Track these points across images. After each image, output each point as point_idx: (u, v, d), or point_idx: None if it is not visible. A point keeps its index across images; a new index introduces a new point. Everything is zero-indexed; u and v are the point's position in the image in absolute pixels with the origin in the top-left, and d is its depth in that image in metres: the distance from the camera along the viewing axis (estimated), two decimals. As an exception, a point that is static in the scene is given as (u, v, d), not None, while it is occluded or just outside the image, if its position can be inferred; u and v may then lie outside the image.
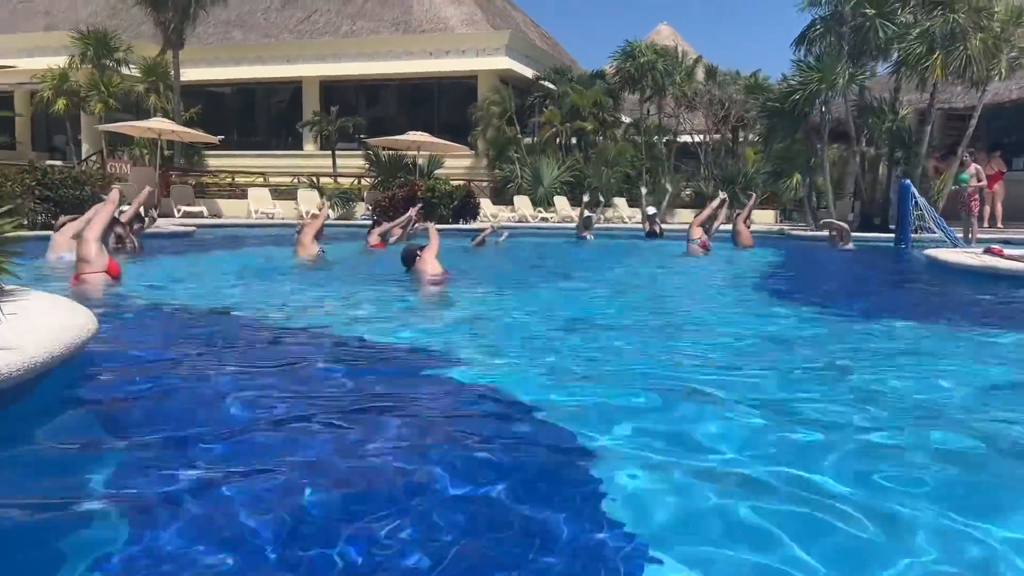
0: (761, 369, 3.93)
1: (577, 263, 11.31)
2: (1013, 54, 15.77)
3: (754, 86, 30.57)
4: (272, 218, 22.71)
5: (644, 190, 23.11)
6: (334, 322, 5.31)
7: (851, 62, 16.30)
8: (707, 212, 12.44)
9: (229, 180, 26.88)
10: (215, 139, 25.25)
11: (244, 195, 24.17)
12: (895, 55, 16.90)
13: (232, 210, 24.26)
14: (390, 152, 25.73)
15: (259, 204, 23.46)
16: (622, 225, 24.51)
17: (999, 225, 17.84)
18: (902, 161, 17.44)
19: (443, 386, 3.58)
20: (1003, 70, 15.78)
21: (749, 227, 13.94)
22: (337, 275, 8.65)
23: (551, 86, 30.18)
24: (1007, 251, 9.35)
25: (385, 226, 11.87)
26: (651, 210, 17.32)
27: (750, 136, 33.60)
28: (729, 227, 14.19)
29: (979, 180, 16.62)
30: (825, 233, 14.27)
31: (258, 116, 35.03)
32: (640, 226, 23.60)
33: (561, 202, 26.37)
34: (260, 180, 26.40)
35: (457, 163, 28.27)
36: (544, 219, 25.54)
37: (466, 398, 3.43)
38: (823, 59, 16.04)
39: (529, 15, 41.41)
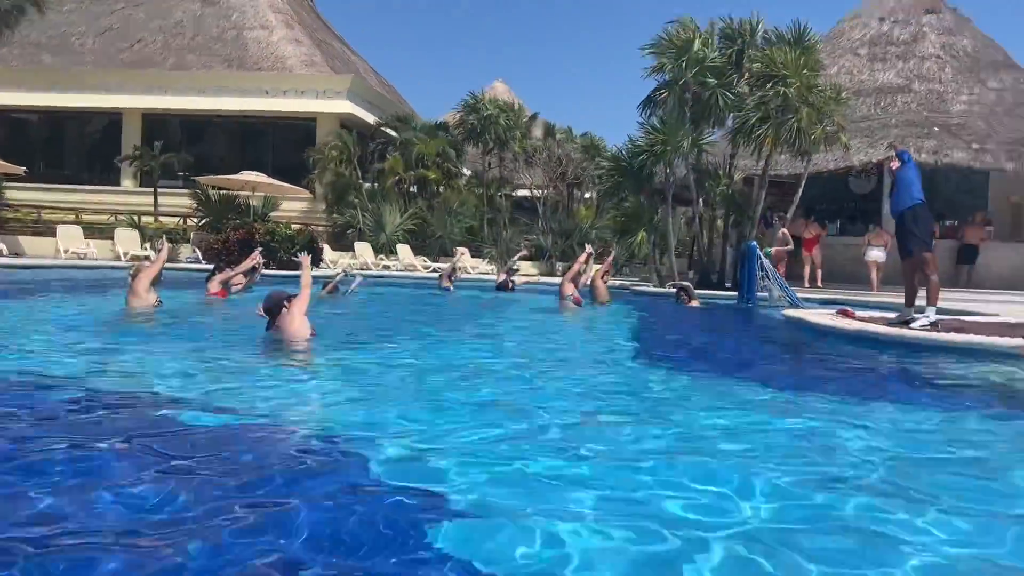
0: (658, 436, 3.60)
1: (456, 317, 10.75)
2: (832, 128, 17.01)
3: (590, 146, 31.78)
4: (84, 258, 20.59)
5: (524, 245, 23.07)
6: (180, 394, 4.40)
7: (692, 127, 17.01)
8: (576, 268, 12.32)
9: (34, 216, 24.21)
10: (20, 169, 22.72)
11: (52, 232, 21.78)
12: (730, 123, 17.85)
13: (37, 248, 21.80)
14: (220, 191, 24.21)
15: (69, 243, 21.22)
16: (466, 276, 24.15)
17: (819, 284, 19.11)
18: (735, 223, 18.35)
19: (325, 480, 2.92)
20: (824, 143, 16.96)
21: (606, 283, 13.99)
22: (181, 331, 7.58)
23: (393, 133, 29.81)
24: (858, 313, 9.80)
25: (227, 273, 10.83)
26: (523, 266, 17.20)
27: (586, 194, 34.74)
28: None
29: (786, 243, 17.94)
30: (670, 290, 14.60)
31: (68, 147, 32.08)
32: (486, 277, 23.55)
33: (404, 250, 25.84)
34: (72, 217, 23.95)
35: (293, 206, 27.10)
36: (386, 267, 24.87)
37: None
38: (667, 123, 16.64)
39: (368, 61, 40.99)
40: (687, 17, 17.52)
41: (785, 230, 17.82)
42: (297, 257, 6.90)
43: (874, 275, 18.80)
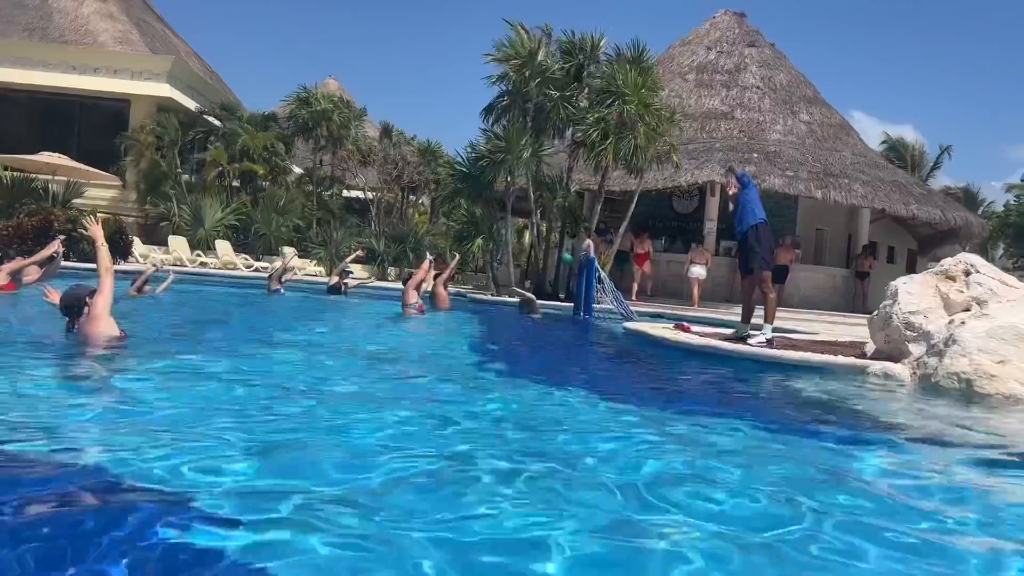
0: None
1: (287, 322, 9.89)
2: (665, 148, 17.59)
3: (427, 150, 31.37)
4: None
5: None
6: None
7: (533, 137, 17.02)
8: (420, 276, 11.78)
9: None
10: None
11: None
12: (570, 135, 18.06)
13: None
14: (15, 173, 21.67)
15: None
16: (292, 277, 22.94)
17: (648, 295, 19.79)
18: (570, 235, 18.57)
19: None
20: (657, 161, 17.50)
21: (447, 289, 13.65)
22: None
23: (216, 122, 28.00)
24: (693, 328, 9.98)
25: (18, 263, 9.47)
26: (355, 268, 16.44)
27: (421, 199, 34.30)
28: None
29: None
30: (509, 299, 14.50)
31: None
32: (314, 279, 22.51)
33: (223, 247, 24.25)
34: None
35: (100, 194, 24.77)
36: (203, 263, 23.23)
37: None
38: (509, 131, 16.55)
39: (191, 45, 38.43)
40: (518, 23, 17.53)
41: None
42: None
43: (696, 291, 19.63)
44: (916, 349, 6.62)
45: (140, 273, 12.32)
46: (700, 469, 3.32)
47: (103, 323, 5.26)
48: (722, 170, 9.20)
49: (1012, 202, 39.08)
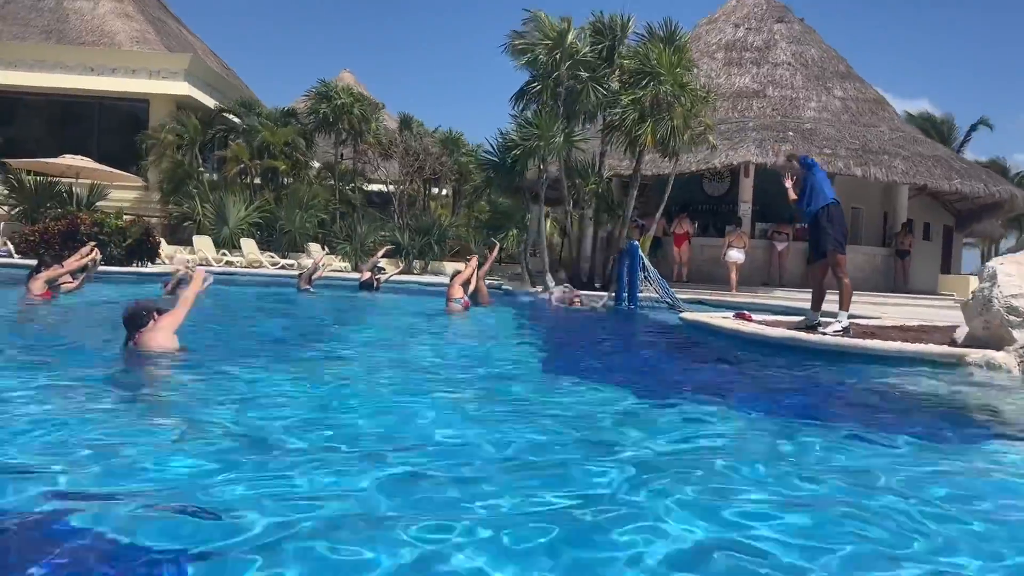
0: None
1: (330, 324, 9.51)
2: (700, 129, 17.04)
3: (448, 140, 30.91)
4: None
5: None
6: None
7: (565, 123, 16.54)
8: (468, 272, 11.30)
9: None
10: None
11: None
12: (601, 120, 17.55)
13: None
14: (37, 177, 21.45)
15: None
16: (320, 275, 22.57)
17: (684, 280, 19.32)
18: (607, 223, 18.09)
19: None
20: (688, 142, 16.95)
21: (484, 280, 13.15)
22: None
23: (236, 120, 27.69)
24: (754, 316, 9.51)
25: (55, 270, 9.13)
26: (382, 262, 16.07)
27: (442, 190, 33.88)
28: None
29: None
30: (558, 292, 14.06)
31: None
32: (341, 275, 22.17)
33: (248, 245, 23.96)
34: None
35: (123, 195, 24.50)
36: (229, 263, 22.94)
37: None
38: (541, 117, 16.06)
39: (206, 43, 38.13)
40: (541, 12, 17.05)
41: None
42: (189, 269, 5.61)
43: (733, 276, 19.12)
44: (1021, 336, 6.13)
45: (171, 275, 12.01)
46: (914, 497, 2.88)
47: (164, 336, 4.89)
48: (783, 159, 8.68)
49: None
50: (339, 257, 25.81)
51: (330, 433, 3.49)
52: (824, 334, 7.61)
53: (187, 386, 4.60)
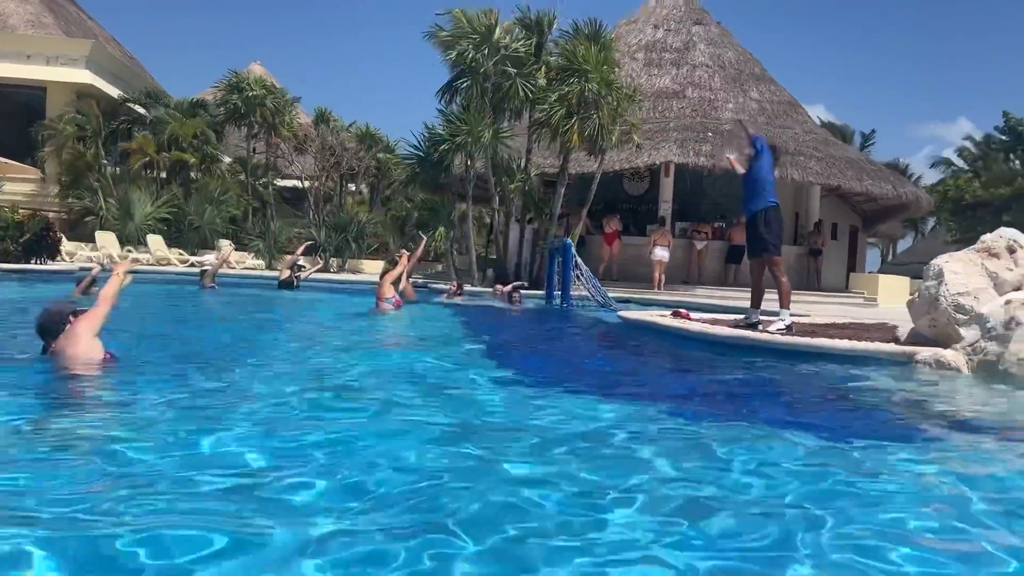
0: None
1: (260, 326, 8.90)
2: (626, 127, 17.07)
3: (366, 135, 30.25)
4: None
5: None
6: None
7: (493, 118, 16.29)
8: (401, 269, 10.84)
9: None
10: None
11: None
12: (528, 116, 17.38)
13: None
14: (-81, 168, 19.87)
15: None
16: (230, 271, 21.66)
17: (613, 278, 19.34)
18: (534, 221, 17.92)
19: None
20: (615, 140, 16.96)
21: (409, 278, 12.76)
22: None
23: (142, 111, 26.36)
24: (692, 315, 9.45)
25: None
26: (301, 260, 15.41)
27: (358, 186, 33.14)
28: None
29: None
30: (497, 291, 13.79)
31: None
32: (255, 273, 21.35)
33: (156, 241, 22.82)
34: None
35: (16, 188, 22.94)
36: (135, 260, 21.76)
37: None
38: (468, 112, 15.76)
39: (107, 30, 36.20)
40: (457, 10, 16.81)
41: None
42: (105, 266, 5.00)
43: (657, 274, 19.26)
44: (968, 333, 6.18)
45: (85, 272, 11.21)
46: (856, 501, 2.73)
47: (85, 342, 4.35)
48: (730, 128, 8.37)
49: (949, 178, 40.15)
50: (252, 254, 24.90)
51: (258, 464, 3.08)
52: (768, 332, 7.59)
53: (98, 400, 4.13)
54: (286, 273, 14.95)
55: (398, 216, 30.89)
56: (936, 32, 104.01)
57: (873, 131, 47.02)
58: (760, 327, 8.05)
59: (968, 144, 43.63)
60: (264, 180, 28.36)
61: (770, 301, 8.58)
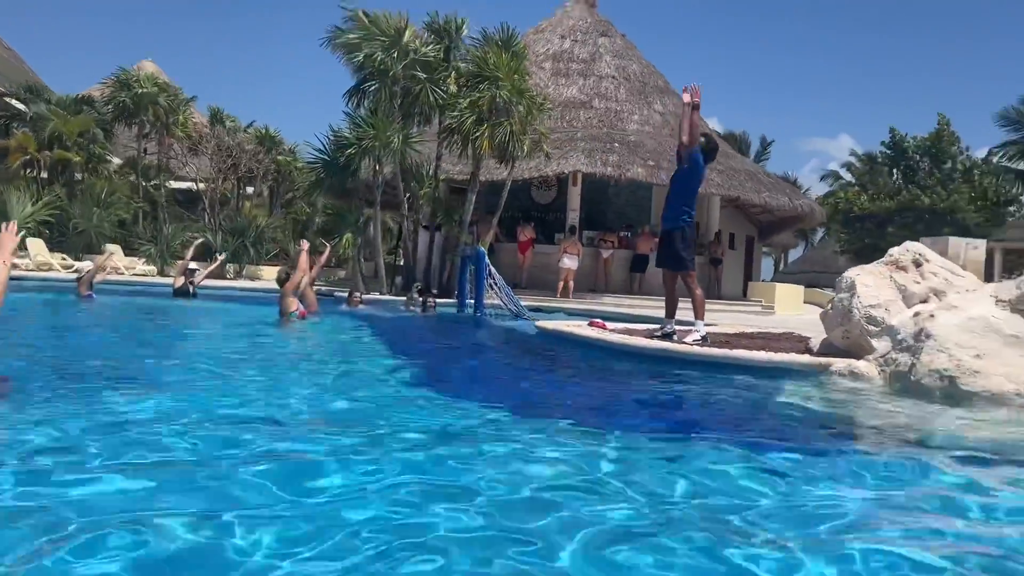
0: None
1: (153, 341, 8.29)
2: (535, 136, 17.05)
3: (265, 137, 29.32)
4: None
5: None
6: None
7: (401, 123, 15.97)
8: (299, 275, 10.31)
9: None
10: None
11: None
12: (438, 122, 17.14)
13: None
14: None
15: None
16: (118, 278, 20.47)
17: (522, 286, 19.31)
18: (443, 228, 17.66)
19: None
20: (527, 149, 16.92)
21: (313, 286, 12.22)
22: None
23: (21, 106, 24.75)
24: (609, 325, 9.43)
25: None
26: (193, 265, 14.61)
27: (260, 190, 32.10)
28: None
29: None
30: (411, 298, 13.43)
31: None
32: (144, 280, 20.27)
33: (36, 245, 21.41)
34: None
35: None
36: (14, 265, 20.31)
37: None
38: (376, 116, 15.40)
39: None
40: (360, 11, 16.51)
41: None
42: None
43: (563, 283, 19.33)
44: (880, 345, 6.33)
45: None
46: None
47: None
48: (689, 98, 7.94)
49: (839, 190, 42.10)
50: (143, 260, 23.69)
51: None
52: (685, 343, 7.61)
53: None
54: (180, 280, 14.17)
55: (299, 221, 30.09)
56: (820, 53, 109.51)
57: (772, 141, 48.94)
58: (676, 337, 8.09)
59: (853, 160, 45.96)
60: (156, 182, 27.07)
61: (683, 310, 8.65)
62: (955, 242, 16.17)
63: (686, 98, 8.05)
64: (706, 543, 2.41)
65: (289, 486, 2.77)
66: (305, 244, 10.59)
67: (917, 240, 7.60)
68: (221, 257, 20.32)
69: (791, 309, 24.09)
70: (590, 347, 7.87)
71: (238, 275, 25.01)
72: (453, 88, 16.47)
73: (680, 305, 8.68)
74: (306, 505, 2.61)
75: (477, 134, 15.22)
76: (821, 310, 24.83)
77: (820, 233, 45.05)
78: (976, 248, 16.37)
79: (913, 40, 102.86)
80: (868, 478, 3.42)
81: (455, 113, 15.58)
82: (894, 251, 6.99)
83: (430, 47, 16.35)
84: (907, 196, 34.54)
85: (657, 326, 9.36)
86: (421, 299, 12.28)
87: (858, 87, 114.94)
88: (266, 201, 33.85)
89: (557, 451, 3.56)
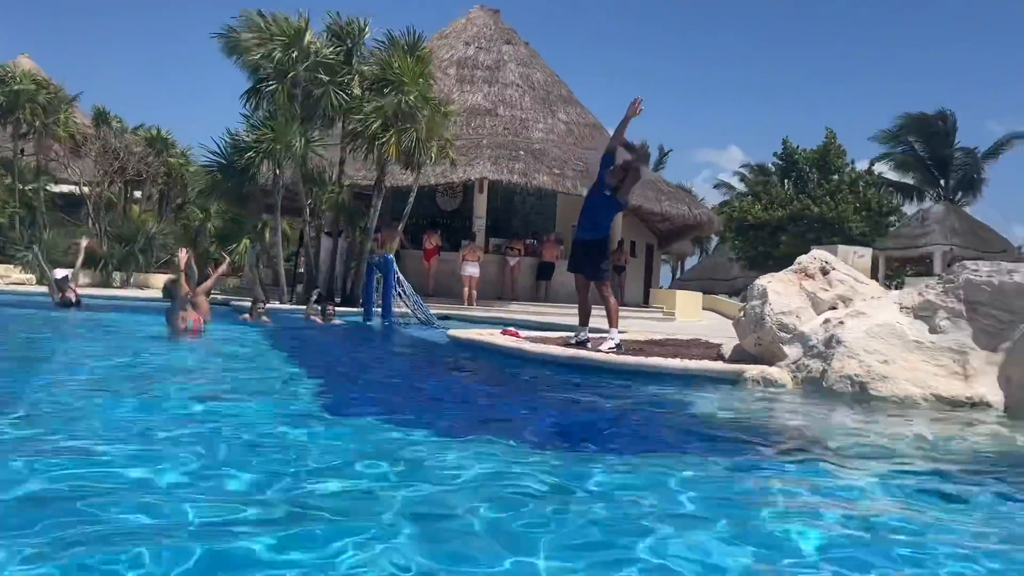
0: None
1: (38, 356, 7.58)
2: (442, 142, 16.84)
3: (156, 139, 28.03)
4: None
5: (36, 248, 18.58)
6: None
7: (303, 126, 15.47)
8: (209, 283, 9.73)
9: None
10: None
11: None
12: (341, 126, 16.72)
13: None
14: None
15: None
16: (-3, 287, 19.08)
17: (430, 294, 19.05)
18: (347, 235, 17.20)
19: None
20: (434, 155, 16.69)
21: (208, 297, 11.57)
22: None
23: None
24: (521, 333, 9.31)
25: None
26: (59, 272, 13.62)
27: (150, 193, 30.64)
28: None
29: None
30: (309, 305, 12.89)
31: None
32: (21, 289, 18.96)
33: None
34: None
35: None
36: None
37: None
38: (276, 118, 14.85)
39: None
40: (253, 12, 16.03)
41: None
42: None
43: (467, 290, 19.18)
44: (792, 351, 6.42)
45: None
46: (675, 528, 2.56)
47: None
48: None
49: (734, 199, 43.51)
50: (20, 268, 22.18)
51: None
52: (600, 351, 7.56)
53: None
54: (62, 294, 13.22)
55: (190, 227, 28.89)
56: (711, 65, 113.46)
57: (670, 150, 50.57)
58: (590, 345, 8.05)
59: (745, 171, 47.72)
60: (35, 185, 25.42)
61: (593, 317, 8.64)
62: (843, 250, 16.88)
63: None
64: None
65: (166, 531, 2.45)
66: (184, 252, 9.99)
67: (809, 249, 7.84)
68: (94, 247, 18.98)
69: (691, 315, 24.66)
70: (506, 356, 7.72)
71: (125, 284, 23.76)
72: (357, 91, 16.07)
73: (593, 312, 8.69)
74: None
75: (383, 139, 14.88)
76: (719, 316, 25.67)
77: (715, 241, 46.48)
78: (862, 256, 17.12)
79: (799, 55, 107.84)
80: (778, 485, 3.38)
81: (360, 117, 15.19)
82: (802, 259, 7.14)
83: (331, 49, 15.90)
84: (798, 206, 35.98)
85: (571, 334, 9.36)
86: (319, 307, 11.82)
87: (747, 100, 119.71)
88: (156, 206, 32.33)
89: (479, 466, 3.37)
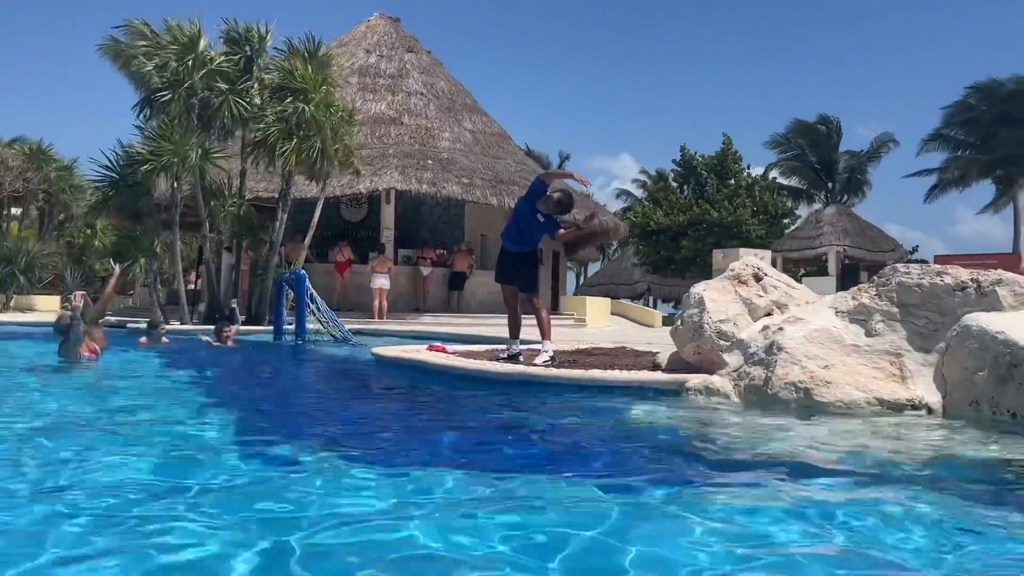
0: None
1: None
2: (346, 152, 16.35)
3: (36, 152, 26.38)
4: None
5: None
6: None
7: (200, 137, 14.70)
8: (101, 305, 8.96)
9: None
10: None
11: None
12: (242, 136, 16.01)
13: None
14: None
15: None
16: None
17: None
18: (249, 249, 16.45)
19: None
20: (338, 165, 16.20)
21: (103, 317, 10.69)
22: None
23: None
24: (449, 348, 9.01)
25: None
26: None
27: (31, 210, 28.78)
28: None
29: None
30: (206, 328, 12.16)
31: None
32: None
33: None
34: None
35: None
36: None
37: None
38: (172, 129, 14.05)
39: None
40: (136, 20, 15.30)
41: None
42: None
43: (378, 303, 18.70)
44: (732, 359, 6.35)
45: None
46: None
47: None
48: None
49: (637, 205, 44.26)
50: None
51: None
52: (534, 365, 7.35)
53: None
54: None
55: (76, 244, 27.30)
56: (602, 73, 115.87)
57: (568, 156, 51.20)
58: (522, 359, 7.83)
59: (643, 177, 48.76)
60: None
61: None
62: (744, 252, 17.23)
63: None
64: None
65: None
66: (118, 268, 9.22)
67: (709, 253, 7.93)
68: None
69: (601, 321, 24.85)
70: (438, 375, 7.39)
71: (6, 307, 22.15)
72: (258, 100, 15.41)
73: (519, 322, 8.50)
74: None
75: (284, 149, 14.29)
76: (627, 320, 25.92)
77: (615, 246, 47.22)
78: (762, 258, 17.52)
79: (692, 65, 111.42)
80: (724, 499, 3.23)
81: (260, 126, 14.55)
82: (735, 266, 7.10)
83: (228, 57, 15.19)
84: (698, 211, 36.88)
85: (496, 346, 9.13)
86: (213, 328, 11.07)
87: (638, 108, 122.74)
88: (36, 223, 30.40)
89: (417, 497, 3.07)
